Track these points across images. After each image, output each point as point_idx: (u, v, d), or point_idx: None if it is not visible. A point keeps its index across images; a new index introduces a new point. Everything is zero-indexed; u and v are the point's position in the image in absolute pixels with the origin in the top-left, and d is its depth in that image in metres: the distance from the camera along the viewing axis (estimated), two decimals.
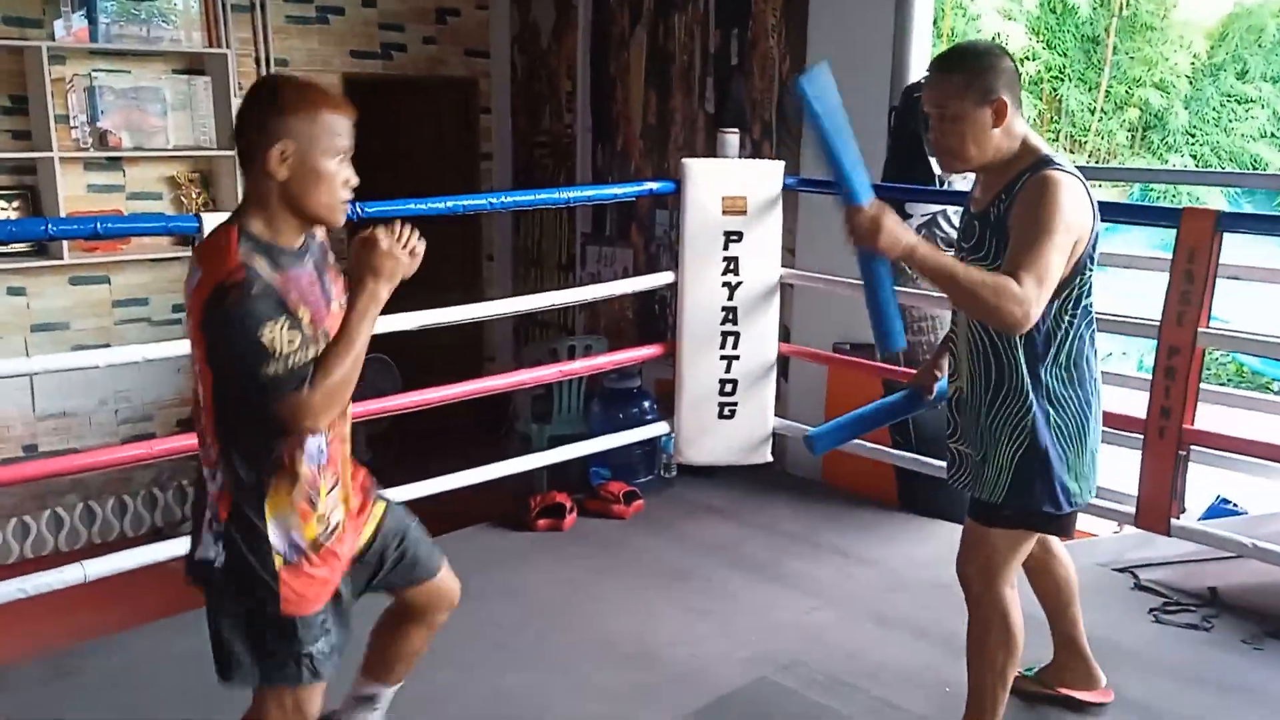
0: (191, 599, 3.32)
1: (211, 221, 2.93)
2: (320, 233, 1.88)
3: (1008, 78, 2.08)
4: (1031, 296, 1.93)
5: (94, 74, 4.70)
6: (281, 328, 1.63)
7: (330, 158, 1.73)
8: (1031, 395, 2.12)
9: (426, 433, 4.76)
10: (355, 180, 1.78)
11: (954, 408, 2.31)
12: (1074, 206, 2.01)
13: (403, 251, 1.76)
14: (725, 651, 2.99)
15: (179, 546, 3.08)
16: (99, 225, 2.81)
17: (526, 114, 5.93)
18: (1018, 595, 2.31)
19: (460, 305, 3.42)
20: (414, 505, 3.38)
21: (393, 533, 2.04)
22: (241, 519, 1.76)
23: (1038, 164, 2.07)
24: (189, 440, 3.11)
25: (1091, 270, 2.12)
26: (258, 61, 5.19)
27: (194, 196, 5.01)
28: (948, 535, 3.79)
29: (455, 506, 3.58)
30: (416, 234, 1.80)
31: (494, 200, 3.34)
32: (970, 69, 2.09)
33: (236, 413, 1.74)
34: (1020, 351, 2.11)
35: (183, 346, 3.09)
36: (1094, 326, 2.17)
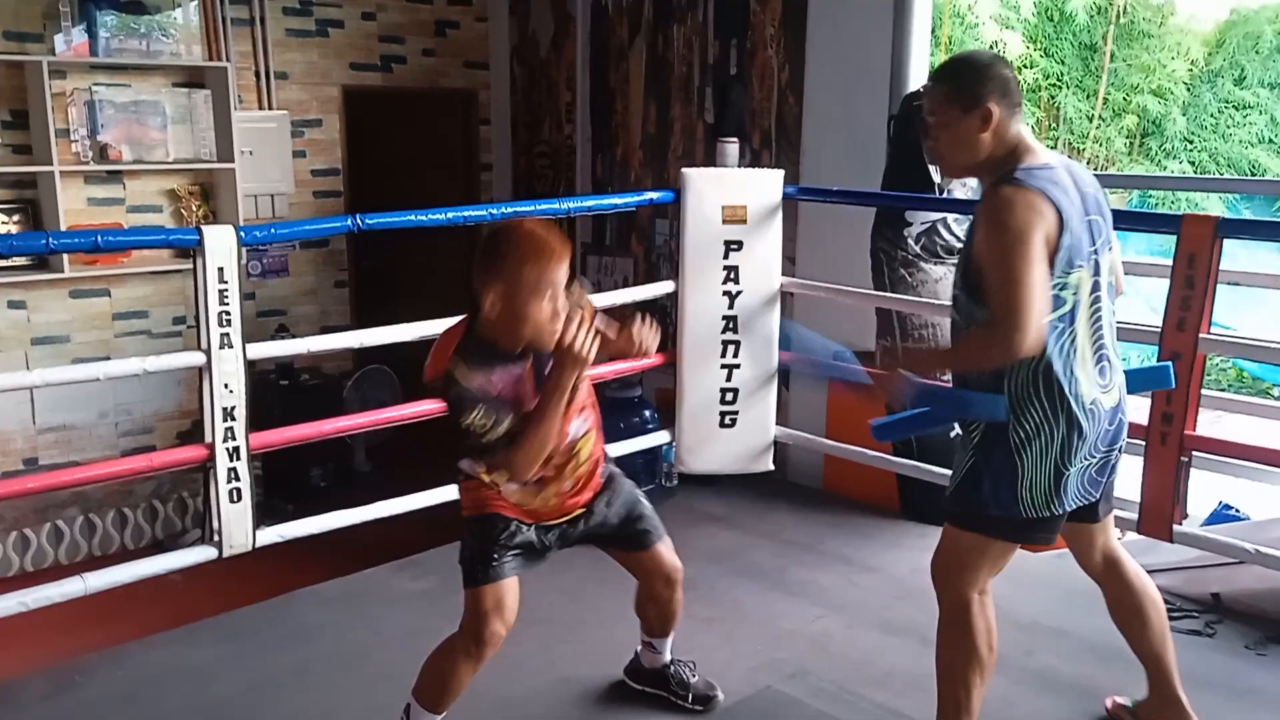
0: (193, 610, 3.34)
1: (211, 233, 2.93)
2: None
3: (999, 85, 2.10)
4: (1018, 325, 1.95)
5: (94, 88, 4.72)
6: (477, 415, 2.07)
7: (535, 302, 2.07)
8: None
9: (429, 444, 4.75)
10: (564, 312, 2.12)
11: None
12: (1025, 215, 2.00)
13: (589, 348, 2.11)
14: (730, 661, 2.98)
15: (180, 559, 3.09)
16: (99, 239, 2.83)
17: (526, 125, 5.94)
18: (988, 604, 2.28)
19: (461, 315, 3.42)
20: (415, 515, 3.45)
21: (619, 505, 2.48)
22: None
23: (1003, 178, 2.07)
24: (189, 453, 3.12)
25: (1068, 279, 2.06)
26: (257, 74, 5.21)
27: (194, 209, 5.03)
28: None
29: (456, 518, 3.58)
30: (594, 329, 2.16)
31: (494, 211, 3.34)
32: (960, 77, 2.15)
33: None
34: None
35: (182, 359, 3.10)
36: (1072, 339, 2.09)
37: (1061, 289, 2.06)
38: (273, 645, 3.09)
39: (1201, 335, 2.92)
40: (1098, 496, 2.27)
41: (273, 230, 3.24)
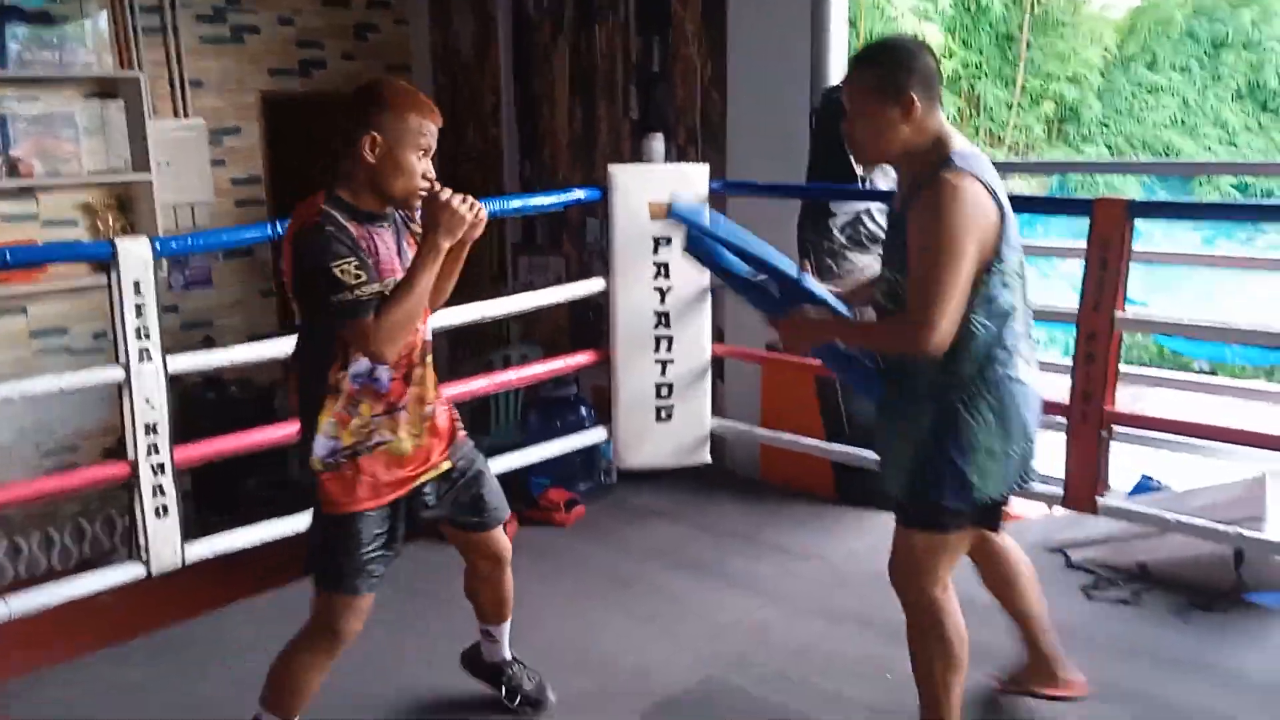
0: (123, 630, 3.26)
1: (125, 246, 2.87)
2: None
3: (921, 74, 2.08)
4: (930, 322, 1.99)
5: (3, 102, 4.58)
6: (350, 264, 1.99)
7: (412, 153, 2.07)
8: (932, 394, 2.13)
9: None
10: (432, 174, 2.11)
11: (876, 410, 2.34)
12: (971, 212, 2.00)
13: (468, 211, 2.07)
14: (671, 654, 3.00)
15: (106, 578, 3.02)
16: (8, 255, 2.76)
17: (451, 129, 5.88)
18: (953, 598, 2.26)
19: None
20: None
21: (467, 475, 2.39)
22: (305, 431, 2.18)
23: (939, 164, 2.06)
24: (111, 470, 3.05)
25: (1003, 268, 2.07)
26: (171, 83, 5.10)
27: (111, 222, 4.90)
28: (885, 526, 3.78)
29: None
30: (473, 201, 2.09)
31: None
32: (881, 65, 2.11)
33: (305, 339, 2.19)
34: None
35: (100, 375, 3.03)
36: (1013, 325, 2.11)
37: (1010, 275, 2.08)
38: (205, 662, 3.03)
39: (1117, 314, 3.00)
40: (1034, 478, 2.27)
41: (190, 240, 3.18)
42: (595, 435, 4.11)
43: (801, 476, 4.20)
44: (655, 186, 3.89)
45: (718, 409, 4.21)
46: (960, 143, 2.10)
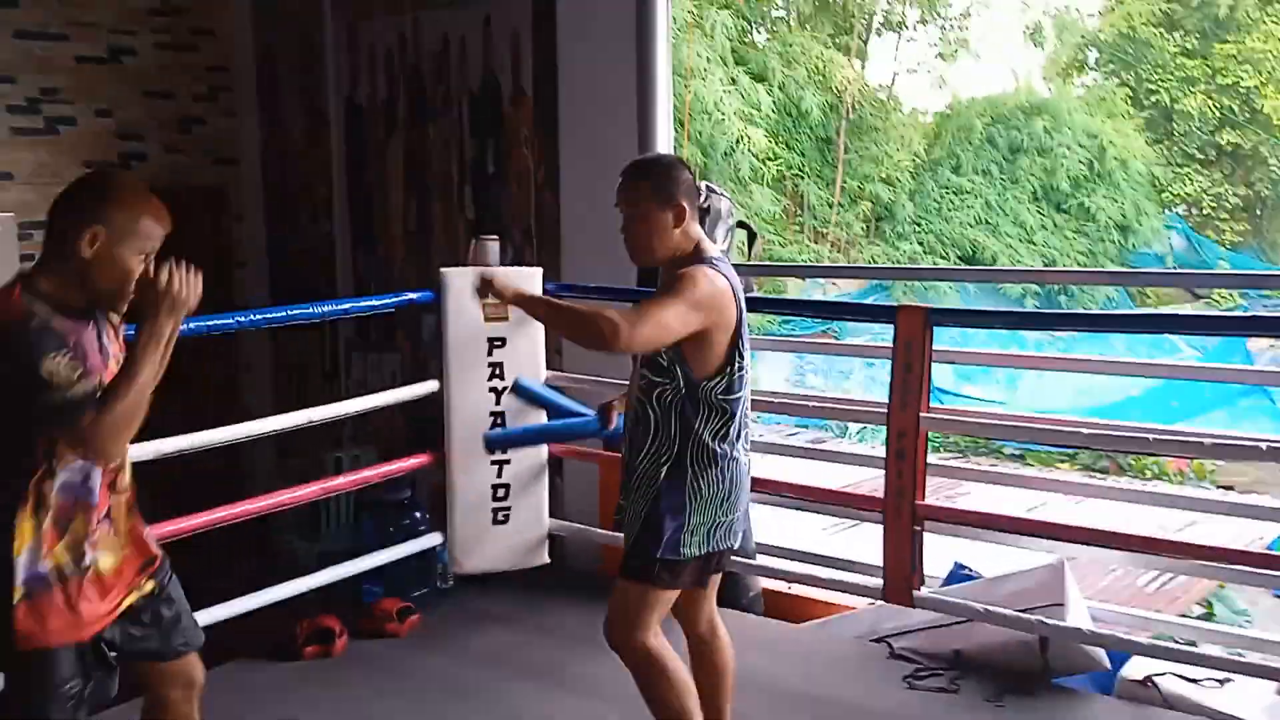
0: None
1: None
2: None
3: (686, 186, 2.41)
4: (628, 323, 2.25)
5: None
6: (61, 360, 1.83)
7: (134, 256, 1.94)
8: (673, 459, 2.41)
9: (183, 561, 4.45)
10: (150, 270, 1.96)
11: (622, 467, 2.57)
12: (710, 291, 2.33)
13: (182, 287, 1.92)
14: None
15: None
16: None
17: (283, 221, 5.80)
18: (664, 642, 2.48)
19: (213, 427, 3.28)
20: None
21: (166, 592, 2.16)
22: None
23: (696, 259, 2.40)
24: None
25: (742, 361, 2.41)
26: None
27: None
28: (728, 619, 3.91)
29: (217, 641, 3.37)
30: (191, 269, 1.95)
31: (241, 319, 3.23)
32: (657, 176, 2.43)
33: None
34: (675, 421, 2.41)
35: None
36: (741, 411, 2.46)
37: (741, 370, 2.42)
38: None
39: (922, 414, 3.20)
40: (735, 544, 2.57)
41: None
42: (431, 540, 4.03)
43: None
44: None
45: (556, 509, 4.20)
46: (715, 249, 2.47)
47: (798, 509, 4.25)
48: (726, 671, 2.70)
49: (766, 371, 11.16)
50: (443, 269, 3.95)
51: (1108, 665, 3.34)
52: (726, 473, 2.44)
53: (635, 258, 2.49)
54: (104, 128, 5.29)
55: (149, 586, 2.12)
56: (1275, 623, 5.63)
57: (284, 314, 3.54)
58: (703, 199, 4.19)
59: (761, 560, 4.13)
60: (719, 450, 2.42)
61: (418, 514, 4.34)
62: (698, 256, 2.41)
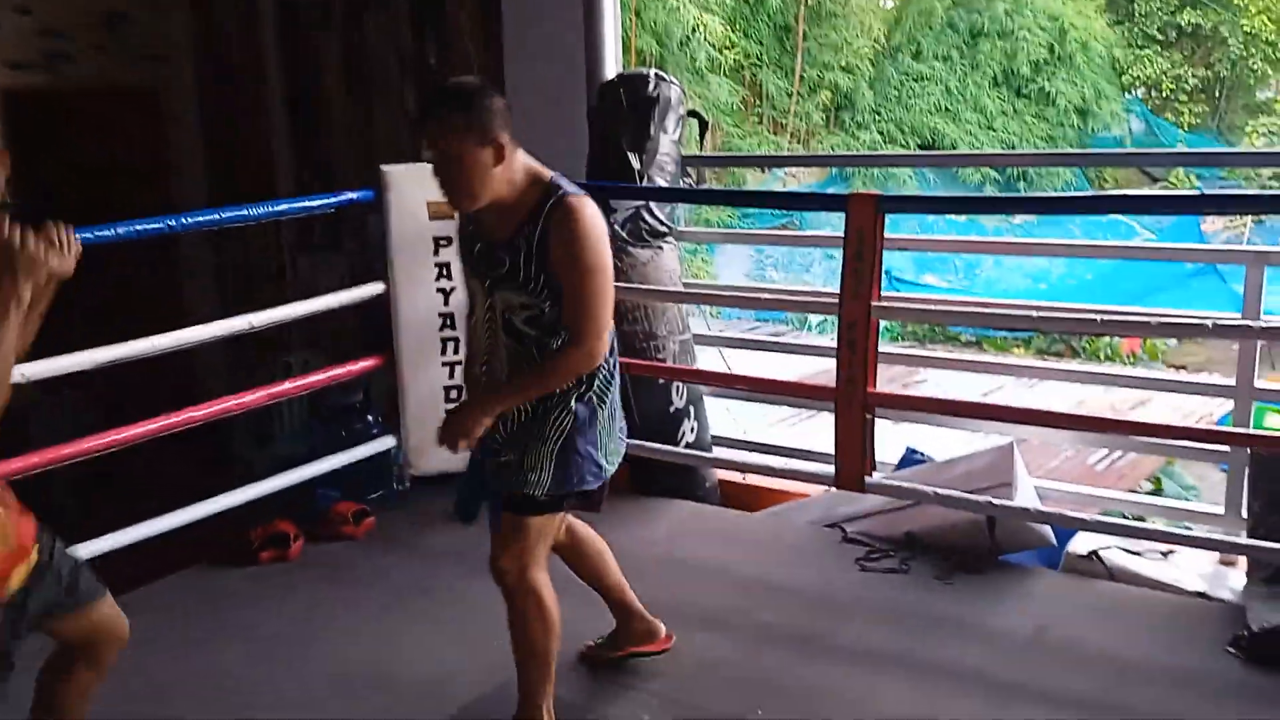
0: None
1: None
2: None
3: (502, 117, 2.17)
4: (599, 334, 2.22)
5: None
6: None
7: None
8: (575, 397, 2.32)
9: (138, 473, 4.41)
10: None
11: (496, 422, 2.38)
12: (601, 226, 2.23)
13: (45, 249, 1.75)
14: (467, 661, 2.97)
15: None
16: None
17: (220, 122, 5.60)
18: (548, 576, 2.45)
19: (157, 332, 3.19)
20: (128, 551, 3.19)
21: (49, 568, 1.99)
22: None
23: (552, 190, 2.22)
24: None
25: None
26: None
27: None
28: (676, 513, 3.96)
29: (173, 548, 3.36)
30: (68, 230, 1.78)
31: (173, 223, 3.12)
32: (468, 110, 2.14)
33: None
34: None
35: None
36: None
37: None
38: None
39: (873, 303, 3.18)
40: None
41: None
42: (385, 443, 4.01)
43: None
44: (433, 186, 3.81)
45: None
46: (551, 172, 2.26)
47: (749, 400, 4.28)
48: (602, 550, 2.74)
49: (725, 266, 11.11)
50: (383, 166, 3.83)
51: (1054, 542, 3.42)
52: (617, 391, 2.44)
53: (455, 203, 2.25)
54: (24, 26, 5.03)
55: (34, 557, 1.96)
56: (1222, 497, 5.78)
57: (214, 218, 3.42)
58: (651, 87, 4.08)
59: (716, 452, 4.16)
60: (613, 371, 2.41)
61: (371, 417, 4.31)
62: (546, 191, 2.21)
